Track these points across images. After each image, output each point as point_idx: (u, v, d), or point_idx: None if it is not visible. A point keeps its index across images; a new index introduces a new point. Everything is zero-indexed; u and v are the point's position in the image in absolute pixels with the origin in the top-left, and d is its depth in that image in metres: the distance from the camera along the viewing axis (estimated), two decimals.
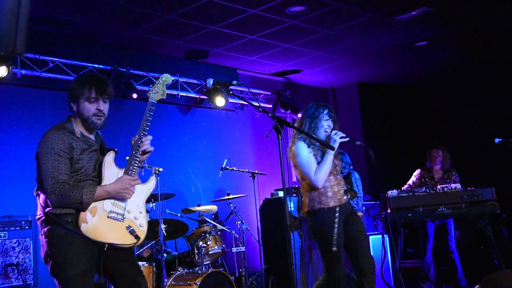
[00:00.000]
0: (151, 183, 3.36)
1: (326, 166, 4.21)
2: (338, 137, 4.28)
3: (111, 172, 3.20)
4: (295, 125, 4.38)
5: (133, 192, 3.18)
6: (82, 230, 2.99)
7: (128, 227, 3.11)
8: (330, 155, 4.23)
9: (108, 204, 3.11)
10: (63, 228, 3.00)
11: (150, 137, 3.29)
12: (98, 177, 3.19)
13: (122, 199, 3.15)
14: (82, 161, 3.11)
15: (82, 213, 3.01)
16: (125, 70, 6.75)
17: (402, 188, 6.63)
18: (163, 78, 3.48)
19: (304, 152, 4.26)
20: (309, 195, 4.30)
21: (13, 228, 5.40)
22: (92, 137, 3.25)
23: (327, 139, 4.31)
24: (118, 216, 3.12)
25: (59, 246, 3.01)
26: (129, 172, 3.19)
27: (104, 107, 3.19)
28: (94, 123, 3.17)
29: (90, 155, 3.17)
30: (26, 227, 5.47)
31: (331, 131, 4.33)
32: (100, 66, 6.70)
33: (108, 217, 3.09)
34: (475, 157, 8.10)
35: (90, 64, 6.63)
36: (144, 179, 5.14)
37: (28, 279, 5.34)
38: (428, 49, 7.88)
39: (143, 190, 3.31)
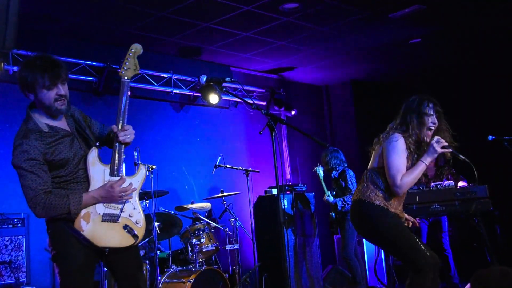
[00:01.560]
0: (140, 174, 3.14)
1: (415, 175, 3.68)
2: (439, 147, 3.71)
3: (96, 171, 3.03)
4: (397, 120, 3.88)
5: (123, 196, 3.03)
6: (82, 235, 2.93)
7: (125, 227, 3.01)
8: (423, 165, 3.70)
9: (100, 207, 3.00)
10: (64, 223, 2.97)
11: (127, 127, 3.07)
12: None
13: (115, 201, 3.03)
14: (63, 154, 2.98)
15: (76, 221, 2.93)
16: (118, 67, 6.70)
17: None
18: (132, 50, 3.16)
19: (400, 150, 3.69)
20: (374, 189, 3.74)
21: (6, 226, 5.37)
22: (61, 123, 3.08)
23: (426, 145, 3.76)
24: (112, 218, 3.01)
25: (59, 239, 2.99)
26: (115, 172, 3.03)
27: (64, 89, 2.99)
28: (58, 109, 3.00)
29: (68, 143, 3.03)
30: (19, 224, 5.45)
31: (432, 137, 3.75)
32: (93, 63, 6.68)
33: (102, 220, 2.99)
34: (468, 154, 8.12)
35: (83, 61, 6.60)
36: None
37: (21, 277, 5.32)
38: (421, 47, 7.89)
39: (133, 183, 3.08)
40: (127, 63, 3.15)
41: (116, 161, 3.05)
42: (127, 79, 3.13)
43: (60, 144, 2.99)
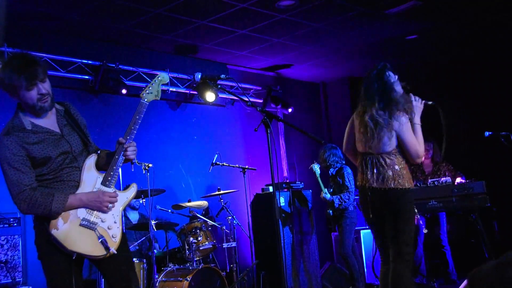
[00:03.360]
0: (131, 191, 3.17)
1: (421, 138, 3.94)
2: (419, 103, 4.01)
3: (90, 176, 3.06)
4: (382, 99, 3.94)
5: (110, 208, 3.03)
6: (52, 235, 2.89)
7: (100, 237, 2.96)
8: (419, 125, 3.96)
9: (82, 211, 2.99)
10: (46, 222, 2.95)
11: (134, 144, 3.12)
12: (76, 164, 3.07)
13: (98, 210, 3.01)
14: (44, 153, 2.96)
15: (53, 219, 2.91)
16: (114, 65, 6.70)
17: None
18: (159, 78, 3.27)
19: (410, 127, 3.91)
20: (399, 173, 3.90)
21: (1, 226, 5.35)
22: (48, 122, 3.07)
23: (409, 107, 3.98)
24: (90, 225, 2.98)
25: (42, 238, 2.99)
26: (107, 183, 3.05)
27: (45, 87, 2.97)
28: (42, 107, 2.99)
29: (52, 142, 3.01)
30: (15, 224, 5.43)
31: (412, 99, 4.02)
32: (89, 61, 6.66)
33: (80, 224, 2.96)
34: (465, 150, 8.13)
35: (79, 60, 6.58)
36: (133, 175, 5.07)
37: (17, 276, 5.30)
38: (418, 43, 7.88)
39: (121, 198, 3.11)
40: (150, 88, 3.23)
41: (112, 173, 3.07)
42: (146, 101, 3.20)
43: (42, 142, 2.98)
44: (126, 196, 3.15)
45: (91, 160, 3.10)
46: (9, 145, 2.90)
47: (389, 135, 3.88)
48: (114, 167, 3.07)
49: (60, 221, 2.92)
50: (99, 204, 3.00)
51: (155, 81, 3.27)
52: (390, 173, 3.88)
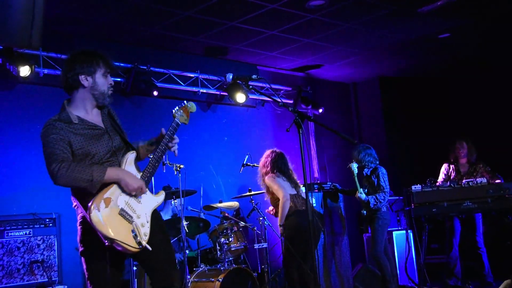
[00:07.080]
0: (160, 197, 3.33)
1: None
2: None
3: (130, 170, 3.19)
4: None
5: (138, 194, 3.15)
6: (91, 215, 2.92)
7: (133, 231, 3.06)
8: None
9: (121, 201, 3.08)
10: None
11: (177, 140, 3.36)
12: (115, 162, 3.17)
13: (129, 191, 3.09)
14: (88, 147, 3.06)
15: (97, 199, 2.96)
16: (145, 68, 6.77)
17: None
18: (188, 106, 3.53)
19: None
20: None
21: (38, 226, 5.47)
22: (94, 118, 3.20)
23: None
24: (127, 216, 3.07)
25: (86, 236, 3.08)
26: (146, 179, 3.20)
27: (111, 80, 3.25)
28: (109, 97, 3.22)
29: (96, 137, 3.12)
30: (50, 224, 5.54)
31: None
32: (121, 64, 6.74)
33: (119, 213, 3.04)
34: (500, 150, 7.96)
35: None
36: (165, 176, 5.14)
37: (53, 275, 5.41)
38: (450, 41, 7.75)
39: (152, 201, 3.26)
40: (181, 111, 3.52)
41: (151, 170, 3.23)
42: (179, 122, 3.49)
43: (86, 136, 3.08)
44: (157, 200, 3.30)
45: (132, 156, 3.22)
46: (57, 127, 3.02)
47: None
48: (156, 163, 3.25)
49: (102, 204, 2.98)
50: (134, 184, 3.08)
51: (184, 108, 3.54)
52: None
